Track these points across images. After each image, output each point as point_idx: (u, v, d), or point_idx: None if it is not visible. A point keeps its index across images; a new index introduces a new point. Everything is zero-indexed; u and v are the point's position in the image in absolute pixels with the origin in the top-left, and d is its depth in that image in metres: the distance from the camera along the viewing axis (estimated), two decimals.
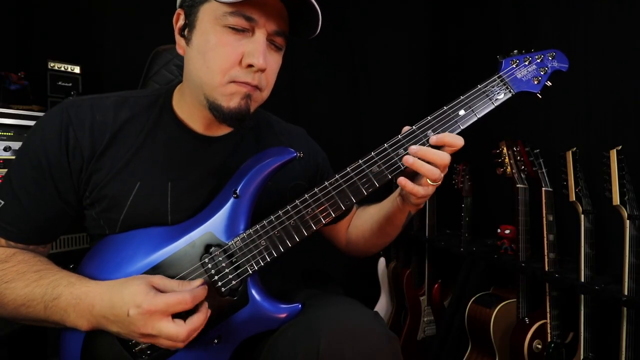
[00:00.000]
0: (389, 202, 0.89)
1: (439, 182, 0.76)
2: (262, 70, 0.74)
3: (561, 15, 1.62)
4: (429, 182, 0.75)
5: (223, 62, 0.72)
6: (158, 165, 0.79)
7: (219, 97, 0.74)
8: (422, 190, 0.75)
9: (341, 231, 1.04)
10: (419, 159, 0.73)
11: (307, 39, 0.80)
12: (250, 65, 0.72)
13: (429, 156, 0.73)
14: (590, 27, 1.51)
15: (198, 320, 0.65)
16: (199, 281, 0.69)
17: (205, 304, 0.68)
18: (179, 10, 0.77)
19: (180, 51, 0.78)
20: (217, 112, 0.75)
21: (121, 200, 0.76)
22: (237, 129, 0.85)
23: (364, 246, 1.00)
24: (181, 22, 0.77)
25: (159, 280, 0.68)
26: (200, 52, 0.73)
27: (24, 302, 0.69)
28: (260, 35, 0.73)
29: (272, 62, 0.77)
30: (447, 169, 0.76)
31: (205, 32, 0.73)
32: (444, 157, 0.73)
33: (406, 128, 0.78)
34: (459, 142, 0.75)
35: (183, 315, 0.65)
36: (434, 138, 0.75)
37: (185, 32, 0.76)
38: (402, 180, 0.75)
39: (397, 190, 0.86)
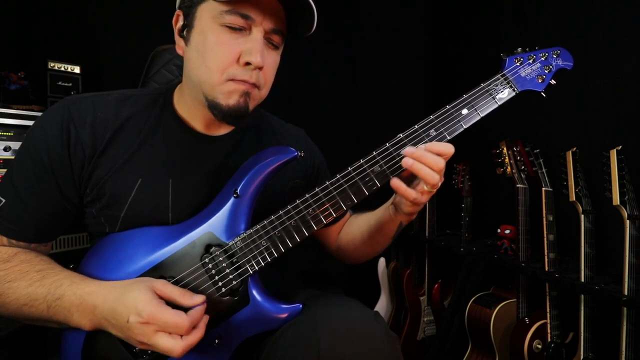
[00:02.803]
0: (382, 210, 0.88)
1: (434, 190, 0.74)
2: (260, 68, 0.74)
3: (561, 15, 1.62)
4: (425, 187, 0.73)
5: (221, 61, 0.73)
6: (159, 163, 0.79)
7: (218, 95, 0.74)
8: (415, 194, 0.73)
9: (333, 235, 1.03)
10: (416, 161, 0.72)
11: (304, 36, 0.80)
12: (247, 63, 0.73)
13: (425, 159, 0.71)
14: (591, 27, 1.51)
15: (194, 337, 0.65)
16: (200, 298, 0.68)
17: (204, 322, 0.68)
18: (178, 12, 0.78)
19: (179, 51, 0.79)
20: (216, 110, 0.76)
21: (122, 197, 0.76)
22: (237, 127, 0.86)
23: (353, 252, 0.98)
24: (180, 22, 0.78)
25: (162, 286, 0.67)
26: (198, 52, 0.74)
27: (26, 301, 0.69)
28: (257, 33, 0.73)
29: (270, 60, 0.77)
30: (442, 178, 0.74)
31: (202, 31, 0.73)
32: (439, 162, 0.71)
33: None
34: (449, 150, 0.73)
35: None
36: (422, 147, 0.73)
37: (185, 33, 0.77)
38: (395, 182, 0.74)
39: (391, 199, 0.84)
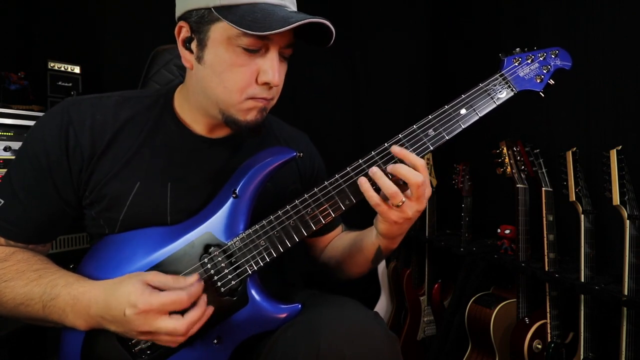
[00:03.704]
0: (367, 230, 0.88)
1: (401, 208, 0.71)
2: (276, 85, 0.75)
3: (561, 15, 1.62)
4: (390, 202, 0.71)
5: (239, 82, 0.73)
6: (158, 165, 0.79)
7: (236, 112, 0.75)
8: (378, 199, 0.71)
9: (320, 246, 1.02)
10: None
11: (319, 47, 0.80)
12: (266, 83, 0.73)
13: (396, 170, 0.70)
14: (590, 27, 1.51)
15: (196, 314, 0.65)
16: (194, 277, 0.68)
17: (204, 298, 0.68)
18: (181, 23, 0.75)
19: (187, 65, 0.77)
20: (234, 125, 0.77)
21: (121, 200, 0.76)
22: (253, 137, 0.85)
23: (332, 267, 0.97)
24: (185, 34, 0.75)
25: (153, 277, 0.67)
26: (215, 72, 0.73)
27: (22, 301, 0.69)
28: (273, 53, 0.73)
29: (282, 72, 0.77)
30: (414, 200, 0.72)
31: (218, 52, 0.72)
32: (408, 173, 0.70)
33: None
34: (417, 161, 0.71)
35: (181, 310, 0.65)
36: (396, 148, 0.72)
37: (192, 47, 0.75)
38: (362, 180, 0.73)
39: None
